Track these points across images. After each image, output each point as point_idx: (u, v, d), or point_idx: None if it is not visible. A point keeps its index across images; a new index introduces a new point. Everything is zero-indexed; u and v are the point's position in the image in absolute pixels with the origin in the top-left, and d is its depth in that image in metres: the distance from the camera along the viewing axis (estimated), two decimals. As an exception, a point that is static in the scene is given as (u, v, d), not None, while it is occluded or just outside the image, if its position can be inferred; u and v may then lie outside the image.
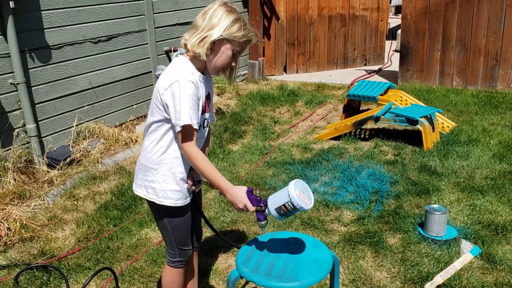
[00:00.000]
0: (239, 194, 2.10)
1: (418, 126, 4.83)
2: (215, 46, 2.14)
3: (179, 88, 2.08)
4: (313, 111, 6.43)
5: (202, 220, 2.58)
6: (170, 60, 6.17)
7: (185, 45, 2.17)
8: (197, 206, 2.48)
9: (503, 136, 5.12)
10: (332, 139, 5.32)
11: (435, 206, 3.39)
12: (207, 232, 3.60)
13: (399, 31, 10.09)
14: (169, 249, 2.42)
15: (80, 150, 4.86)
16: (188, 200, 2.33)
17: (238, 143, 5.40)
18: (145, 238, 3.58)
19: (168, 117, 2.14)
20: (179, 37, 6.75)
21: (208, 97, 2.32)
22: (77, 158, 4.75)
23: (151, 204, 2.34)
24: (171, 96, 2.10)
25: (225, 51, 2.16)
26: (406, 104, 5.60)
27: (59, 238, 3.61)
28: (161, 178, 2.26)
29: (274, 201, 2.05)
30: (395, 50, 10.03)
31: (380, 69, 8.52)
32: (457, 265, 3.01)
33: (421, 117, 4.81)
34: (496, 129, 5.35)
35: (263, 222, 2.14)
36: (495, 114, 5.85)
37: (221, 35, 2.10)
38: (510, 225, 3.45)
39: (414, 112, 4.91)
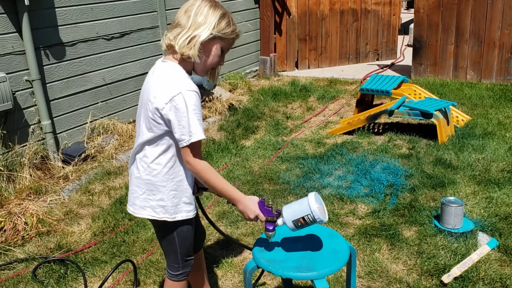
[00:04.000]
0: (250, 204, 2.05)
1: (433, 120, 4.79)
2: (205, 45, 1.99)
3: (184, 102, 1.92)
4: (326, 106, 6.41)
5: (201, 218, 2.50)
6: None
7: (169, 46, 2.02)
8: (202, 209, 2.38)
9: (519, 129, 5.07)
10: (345, 133, 5.30)
11: (451, 198, 3.36)
12: (221, 226, 3.61)
13: (411, 26, 10.02)
14: (172, 263, 2.26)
15: (95, 146, 4.89)
16: (195, 212, 2.21)
17: (251, 138, 5.40)
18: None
19: (170, 130, 2.00)
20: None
21: None
22: (91, 154, 4.79)
23: (160, 222, 2.16)
24: (174, 111, 1.93)
25: (216, 49, 2.02)
26: (420, 97, 5.56)
27: (75, 232, 3.64)
28: (171, 194, 2.10)
29: (291, 213, 2.00)
30: (408, 45, 9.97)
31: (392, 64, 8.47)
32: (474, 257, 2.98)
33: (435, 110, 4.77)
34: (512, 122, 5.29)
35: (271, 233, 2.08)
36: (511, 107, 5.78)
37: (211, 33, 1.96)
38: (527, 218, 3.41)
39: (428, 106, 4.87)
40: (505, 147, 4.63)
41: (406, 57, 8.88)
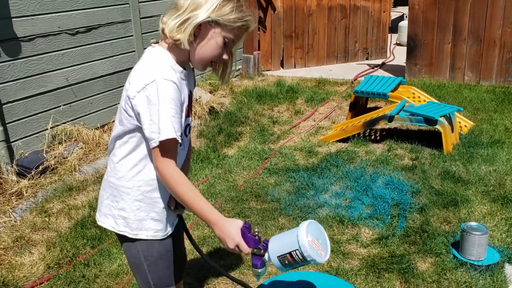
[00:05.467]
0: (230, 230, 1.61)
1: (438, 127, 4.30)
2: (201, 31, 1.65)
3: (156, 91, 1.59)
4: (315, 109, 5.89)
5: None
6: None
7: (163, 30, 1.68)
8: (185, 228, 1.96)
9: (529, 137, 4.61)
10: (339, 141, 4.77)
11: (473, 224, 2.85)
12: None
13: (400, 23, 9.60)
14: None
15: (55, 156, 4.27)
16: (170, 230, 1.85)
17: (234, 146, 4.84)
18: (128, 263, 3.01)
19: (140, 126, 1.66)
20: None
21: (190, 96, 1.81)
22: (51, 166, 4.17)
23: (122, 238, 1.83)
24: (146, 102, 1.60)
25: (215, 38, 1.66)
26: (419, 101, 5.08)
27: (25, 264, 3.04)
28: (135, 205, 1.77)
29: (278, 246, 1.57)
30: (396, 43, 9.53)
31: (383, 63, 8.00)
32: (506, 298, 2.48)
33: (440, 117, 4.28)
34: (520, 128, 4.84)
35: (259, 270, 1.63)
36: (516, 111, 5.34)
37: (209, 17, 1.62)
38: (559, 245, 2.93)
39: (432, 111, 4.38)
40: (518, 158, 4.17)
41: (396, 56, 8.42)
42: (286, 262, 1.54)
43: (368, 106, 5.68)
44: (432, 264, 2.83)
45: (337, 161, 4.22)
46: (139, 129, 1.68)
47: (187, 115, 1.78)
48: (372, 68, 7.67)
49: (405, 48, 7.20)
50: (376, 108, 5.57)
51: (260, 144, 4.81)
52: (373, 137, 4.88)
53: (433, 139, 4.56)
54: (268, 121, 5.50)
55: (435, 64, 6.62)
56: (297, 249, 1.50)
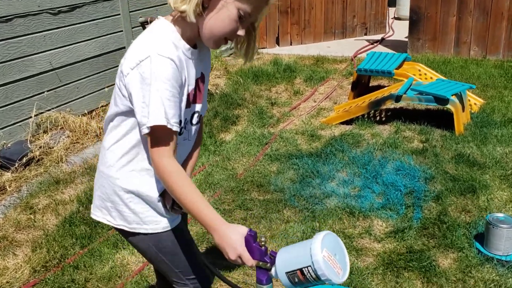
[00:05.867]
0: (232, 237, 1.37)
1: (449, 106, 4.03)
2: (211, 1, 1.40)
3: (150, 69, 1.37)
4: (315, 89, 5.60)
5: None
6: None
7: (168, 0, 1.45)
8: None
9: (543, 114, 4.37)
10: (342, 123, 4.50)
11: (499, 215, 2.61)
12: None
13: (399, -4, 9.24)
14: (176, 279, 1.69)
15: (40, 146, 3.98)
16: (176, 221, 1.64)
17: (232, 131, 4.56)
18: (121, 264, 2.76)
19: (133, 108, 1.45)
20: (158, 5, 5.85)
21: (202, 80, 1.55)
22: (36, 157, 3.88)
23: (122, 232, 1.66)
24: (139, 81, 1.39)
25: (226, 7, 1.40)
26: (426, 79, 4.80)
27: (8, 268, 2.78)
28: (127, 198, 1.57)
29: (287, 261, 1.33)
30: (395, 18, 9.20)
31: (383, 39, 7.68)
32: (540, 298, 2.26)
33: (452, 95, 4.01)
34: (533, 105, 4.59)
35: (265, 286, 1.40)
36: (527, 87, 5.09)
37: None
38: None
39: (442, 89, 4.11)
40: (534, 138, 3.93)
41: (396, 31, 8.10)
42: (296, 280, 1.31)
43: (370, 84, 5.40)
44: (455, 260, 2.59)
45: (342, 146, 3.96)
46: (132, 112, 1.47)
47: (194, 101, 1.54)
48: (372, 44, 7.36)
49: (404, 22, 6.91)
50: (379, 86, 5.29)
51: (259, 128, 4.53)
52: (378, 118, 4.60)
53: (442, 119, 4.30)
54: (266, 103, 5.21)
55: (439, 39, 6.33)
56: (310, 266, 1.27)
